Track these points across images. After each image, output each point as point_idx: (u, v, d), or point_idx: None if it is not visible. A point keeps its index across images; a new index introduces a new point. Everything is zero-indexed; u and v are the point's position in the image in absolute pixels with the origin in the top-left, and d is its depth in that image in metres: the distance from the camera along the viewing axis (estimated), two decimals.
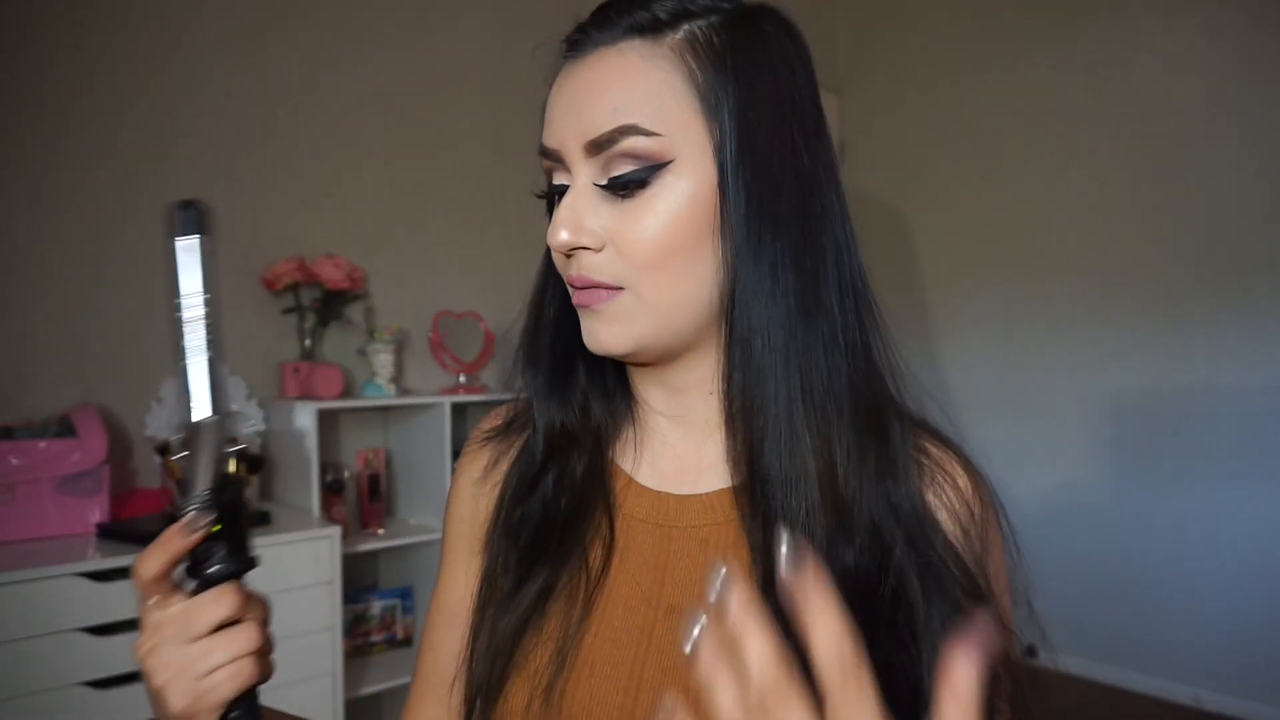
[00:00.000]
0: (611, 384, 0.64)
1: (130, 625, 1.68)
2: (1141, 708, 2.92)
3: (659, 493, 0.61)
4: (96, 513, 1.85)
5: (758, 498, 0.54)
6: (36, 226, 2.00)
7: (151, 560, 0.48)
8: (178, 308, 0.54)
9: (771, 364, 0.53)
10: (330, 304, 2.37)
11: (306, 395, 2.23)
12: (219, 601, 0.49)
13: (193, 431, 0.50)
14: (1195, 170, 2.90)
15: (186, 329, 0.54)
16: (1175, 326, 2.94)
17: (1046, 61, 3.23)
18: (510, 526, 0.62)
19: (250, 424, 2.21)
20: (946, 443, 0.59)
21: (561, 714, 0.55)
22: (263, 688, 0.51)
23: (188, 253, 0.55)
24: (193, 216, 0.56)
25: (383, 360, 2.42)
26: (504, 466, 0.66)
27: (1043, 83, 3.24)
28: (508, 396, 0.68)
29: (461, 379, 2.63)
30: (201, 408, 0.51)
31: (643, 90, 0.53)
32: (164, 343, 2.16)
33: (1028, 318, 3.30)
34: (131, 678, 1.69)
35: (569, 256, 0.55)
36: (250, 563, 0.52)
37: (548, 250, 0.64)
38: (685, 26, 0.54)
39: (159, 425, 2.08)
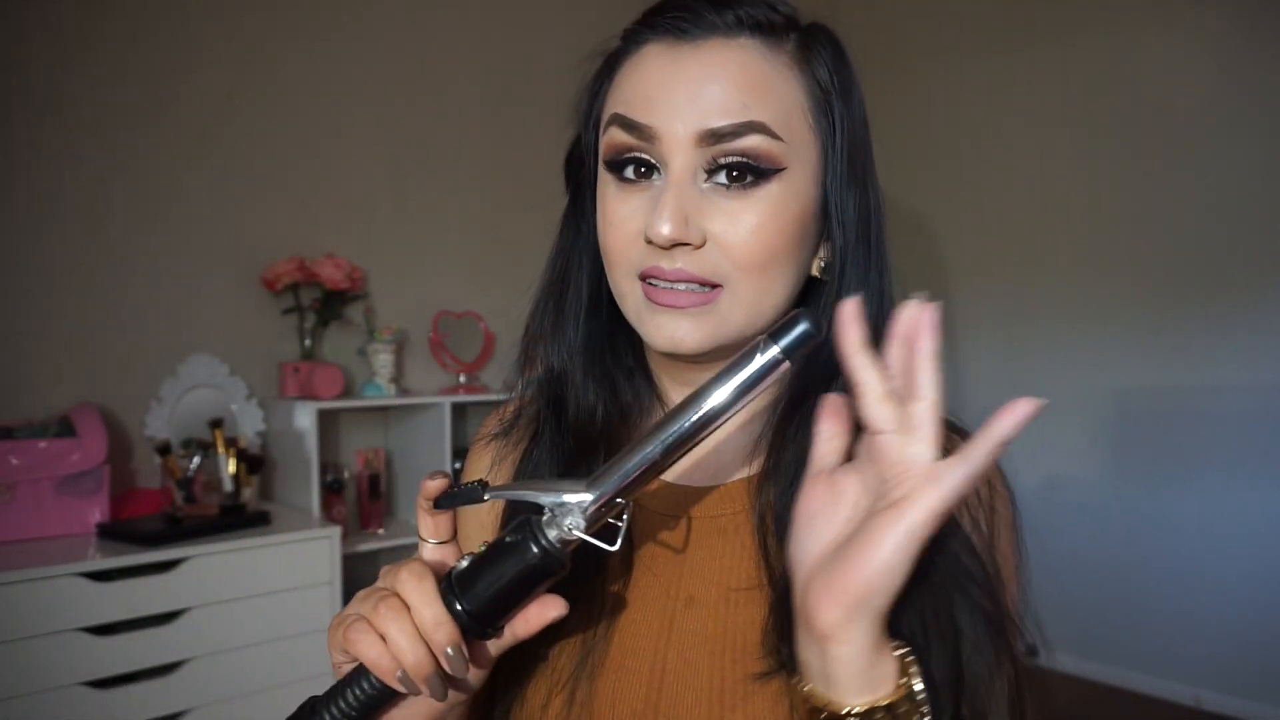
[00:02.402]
0: (635, 375, 0.64)
1: (130, 625, 1.68)
2: (1141, 708, 2.92)
3: (680, 486, 0.61)
4: (96, 513, 1.85)
5: (786, 483, 0.56)
6: (37, 227, 2.01)
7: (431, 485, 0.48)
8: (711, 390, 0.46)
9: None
10: (330, 304, 2.37)
11: (306, 395, 2.23)
12: (419, 584, 0.45)
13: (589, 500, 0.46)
14: (1196, 171, 2.90)
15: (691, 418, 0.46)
16: (1176, 326, 2.94)
17: (1048, 63, 3.22)
18: None
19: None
20: (955, 429, 0.59)
21: (585, 710, 0.54)
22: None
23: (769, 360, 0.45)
24: (801, 333, 0.44)
25: (383, 360, 2.42)
26: (510, 466, 0.65)
27: (1044, 83, 3.24)
28: (509, 395, 0.67)
29: (461, 379, 2.63)
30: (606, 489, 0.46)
31: (772, 93, 0.52)
32: (164, 343, 2.17)
33: (1028, 317, 3.30)
34: (131, 678, 1.69)
35: (663, 249, 0.53)
36: (481, 629, 0.46)
37: (564, 229, 0.64)
38: (791, 35, 0.55)
39: (159, 425, 2.08)
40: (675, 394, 0.62)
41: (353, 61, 2.53)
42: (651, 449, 0.44)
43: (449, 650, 0.44)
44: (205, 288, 2.24)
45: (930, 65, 3.58)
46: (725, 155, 0.52)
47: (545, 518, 0.44)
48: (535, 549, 0.44)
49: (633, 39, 0.56)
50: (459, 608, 0.44)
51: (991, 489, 0.56)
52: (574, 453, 0.61)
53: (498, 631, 0.46)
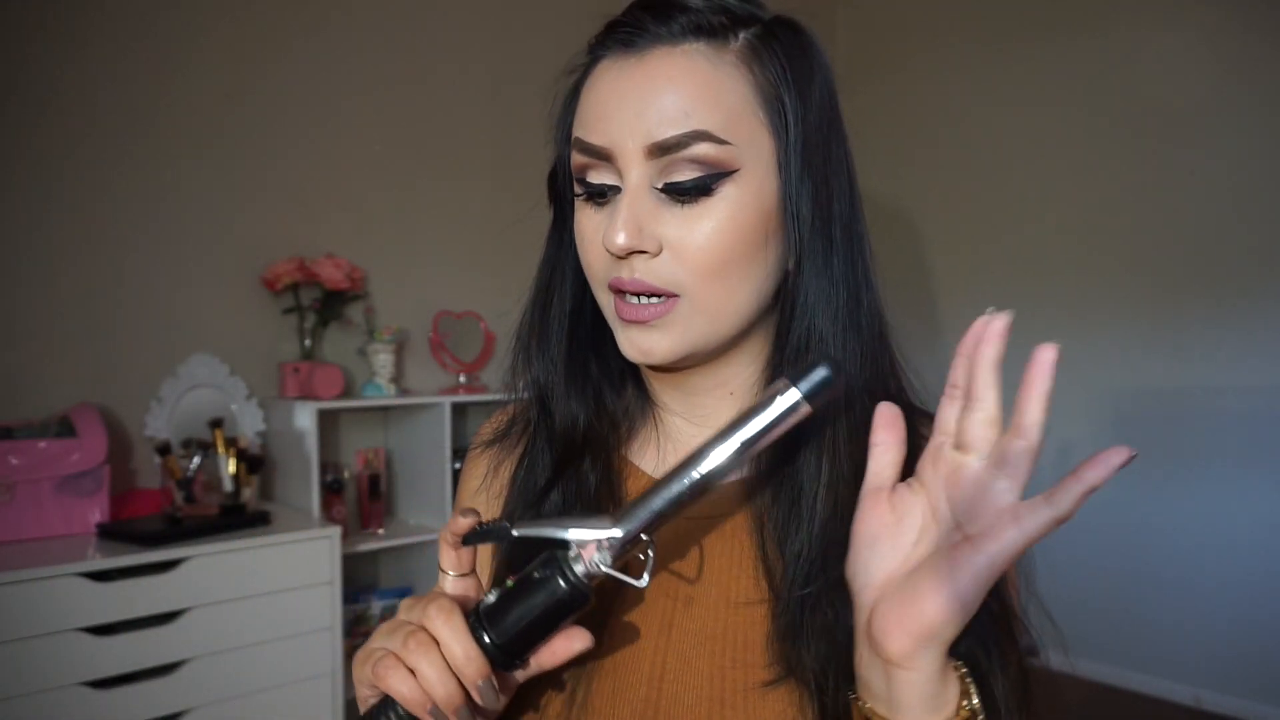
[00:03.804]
0: (626, 380, 0.64)
1: (129, 625, 1.68)
2: (1141, 708, 2.92)
3: None
4: (96, 513, 1.85)
5: (780, 487, 0.56)
6: (37, 227, 2.00)
7: (452, 526, 0.50)
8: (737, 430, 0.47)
9: None
10: (330, 304, 2.37)
11: (306, 395, 2.23)
12: (448, 619, 0.46)
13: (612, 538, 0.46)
14: (1195, 171, 2.90)
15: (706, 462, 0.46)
16: (1175, 327, 2.94)
17: (1047, 62, 3.23)
18: (522, 544, 0.61)
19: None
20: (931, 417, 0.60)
21: (584, 710, 0.55)
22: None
23: (789, 409, 0.46)
24: (823, 383, 0.46)
25: (383, 360, 2.42)
26: (506, 473, 0.66)
27: (1043, 83, 3.24)
28: (508, 397, 0.68)
29: (461, 379, 2.63)
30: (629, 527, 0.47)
31: (714, 96, 0.52)
32: (164, 343, 2.17)
33: (1027, 318, 3.28)
34: (131, 678, 1.69)
35: (622, 259, 0.54)
36: (509, 661, 0.47)
37: (549, 241, 0.64)
38: (743, 34, 0.55)
39: (159, 425, 2.08)
40: (669, 397, 0.63)
41: (353, 61, 2.53)
42: (678, 488, 0.45)
43: (480, 683, 0.45)
44: (205, 288, 2.24)
45: (925, 63, 3.58)
46: (672, 165, 0.52)
47: (572, 554, 0.46)
48: (564, 584, 0.45)
49: (592, 55, 0.57)
50: (487, 641, 0.46)
51: None
52: (560, 461, 0.61)
53: (524, 663, 0.48)
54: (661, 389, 0.63)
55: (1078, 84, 3.15)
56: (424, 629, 0.46)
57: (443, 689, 0.45)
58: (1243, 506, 2.80)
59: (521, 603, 0.46)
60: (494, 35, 2.83)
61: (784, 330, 0.57)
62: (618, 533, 0.45)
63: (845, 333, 0.56)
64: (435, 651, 0.45)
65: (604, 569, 0.45)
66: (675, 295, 0.53)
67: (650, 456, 0.63)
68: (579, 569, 0.45)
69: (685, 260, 0.53)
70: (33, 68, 1.99)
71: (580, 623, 0.55)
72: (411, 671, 0.45)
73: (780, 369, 0.57)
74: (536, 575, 0.46)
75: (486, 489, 0.67)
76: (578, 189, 0.57)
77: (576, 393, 0.62)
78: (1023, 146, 3.30)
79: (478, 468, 0.68)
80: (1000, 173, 3.37)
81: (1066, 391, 3.16)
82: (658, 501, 0.45)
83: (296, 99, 2.41)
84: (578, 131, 0.55)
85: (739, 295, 0.55)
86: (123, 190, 2.12)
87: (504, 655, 0.46)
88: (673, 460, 0.61)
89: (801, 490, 0.55)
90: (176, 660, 1.72)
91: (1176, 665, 2.91)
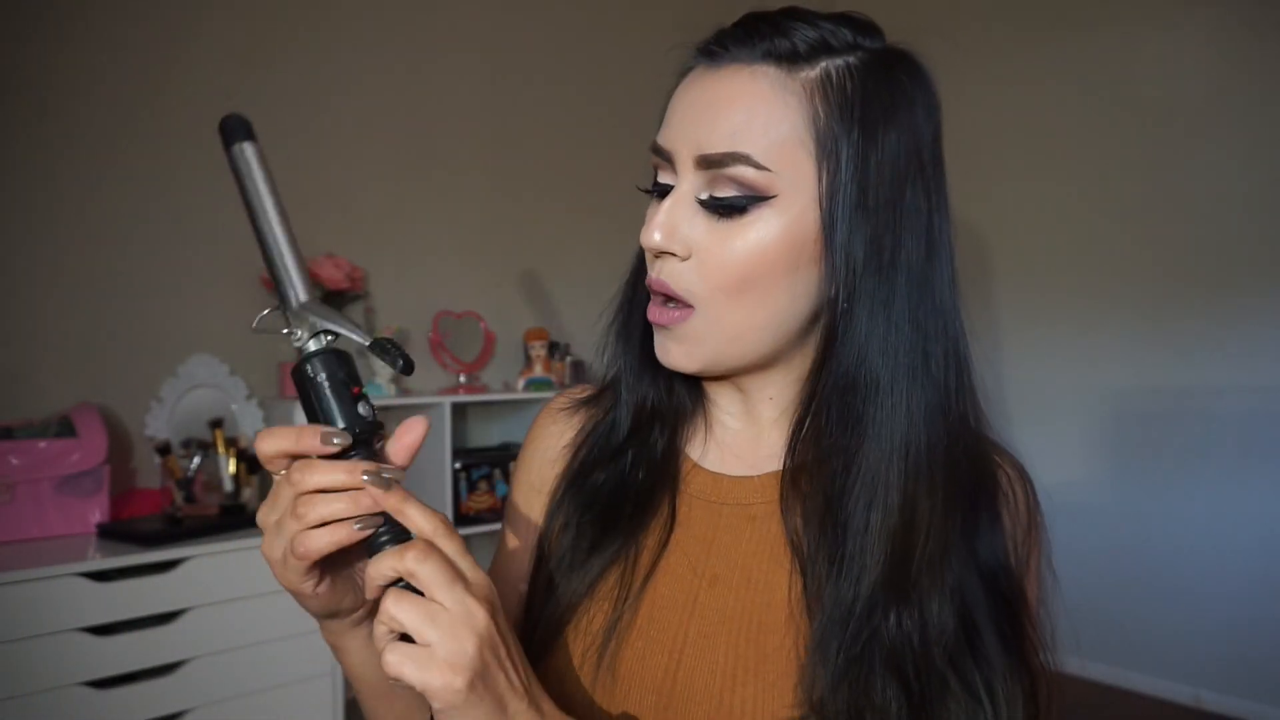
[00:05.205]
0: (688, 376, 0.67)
1: (130, 625, 1.68)
2: (1141, 708, 2.92)
3: (716, 474, 0.64)
4: (96, 513, 1.85)
5: (819, 506, 0.57)
6: (37, 226, 2.00)
7: (269, 444, 0.51)
8: (251, 206, 0.57)
9: (873, 416, 0.55)
10: (330, 304, 2.37)
11: None
12: (328, 470, 0.50)
13: (299, 312, 0.54)
14: (1194, 171, 2.90)
15: (270, 223, 0.57)
16: (1174, 327, 2.94)
17: (1046, 64, 3.22)
18: (584, 491, 0.64)
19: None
20: (1002, 450, 0.63)
21: (610, 672, 0.58)
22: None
23: (249, 158, 0.59)
24: (240, 126, 0.59)
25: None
26: (579, 434, 0.69)
27: (1042, 85, 3.24)
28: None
29: (461, 379, 2.63)
30: (299, 292, 0.54)
31: (764, 122, 0.53)
32: (164, 343, 2.16)
33: (1027, 318, 3.30)
34: (131, 678, 1.69)
35: (656, 257, 0.57)
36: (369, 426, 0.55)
37: None
38: (823, 63, 0.54)
39: (159, 425, 2.08)
40: (718, 394, 0.65)
41: (353, 61, 2.53)
42: (277, 242, 0.55)
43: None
44: (205, 288, 2.24)
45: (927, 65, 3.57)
46: (716, 179, 0.54)
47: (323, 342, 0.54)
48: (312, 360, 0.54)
49: (693, 60, 0.59)
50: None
51: (1028, 508, 0.61)
52: (634, 429, 0.65)
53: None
54: (711, 385, 0.66)
55: (1078, 85, 3.15)
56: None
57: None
58: (1243, 506, 2.80)
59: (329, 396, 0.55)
60: (494, 35, 2.83)
61: (827, 357, 0.56)
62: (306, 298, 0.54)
63: (903, 376, 0.55)
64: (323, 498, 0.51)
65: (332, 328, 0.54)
66: (690, 306, 0.56)
67: (697, 446, 0.66)
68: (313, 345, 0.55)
69: (707, 271, 0.55)
70: (31, 67, 1.99)
71: (614, 575, 0.62)
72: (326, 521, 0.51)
73: (819, 392, 0.57)
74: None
75: (562, 444, 0.69)
76: (651, 186, 0.60)
77: (649, 378, 0.65)
78: (1022, 145, 3.30)
79: (558, 423, 0.71)
80: (1000, 172, 3.36)
81: (1066, 391, 3.17)
82: (280, 261, 0.55)
83: (296, 98, 2.41)
84: (658, 132, 0.58)
85: (757, 316, 0.56)
86: (123, 190, 2.12)
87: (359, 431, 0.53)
88: (723, 452, 0.65)
89: (848, 529, 0.55)
90: (176, 660, 1.72)
91: (1176, 665, 2.91)
